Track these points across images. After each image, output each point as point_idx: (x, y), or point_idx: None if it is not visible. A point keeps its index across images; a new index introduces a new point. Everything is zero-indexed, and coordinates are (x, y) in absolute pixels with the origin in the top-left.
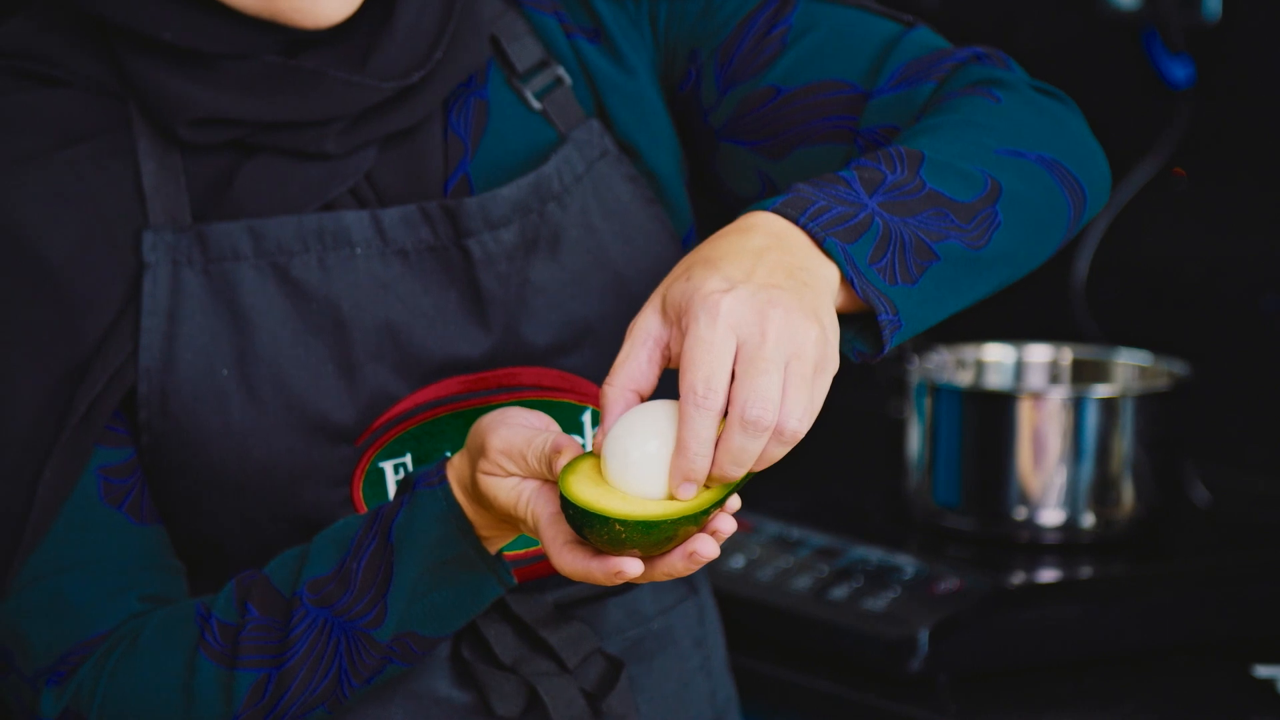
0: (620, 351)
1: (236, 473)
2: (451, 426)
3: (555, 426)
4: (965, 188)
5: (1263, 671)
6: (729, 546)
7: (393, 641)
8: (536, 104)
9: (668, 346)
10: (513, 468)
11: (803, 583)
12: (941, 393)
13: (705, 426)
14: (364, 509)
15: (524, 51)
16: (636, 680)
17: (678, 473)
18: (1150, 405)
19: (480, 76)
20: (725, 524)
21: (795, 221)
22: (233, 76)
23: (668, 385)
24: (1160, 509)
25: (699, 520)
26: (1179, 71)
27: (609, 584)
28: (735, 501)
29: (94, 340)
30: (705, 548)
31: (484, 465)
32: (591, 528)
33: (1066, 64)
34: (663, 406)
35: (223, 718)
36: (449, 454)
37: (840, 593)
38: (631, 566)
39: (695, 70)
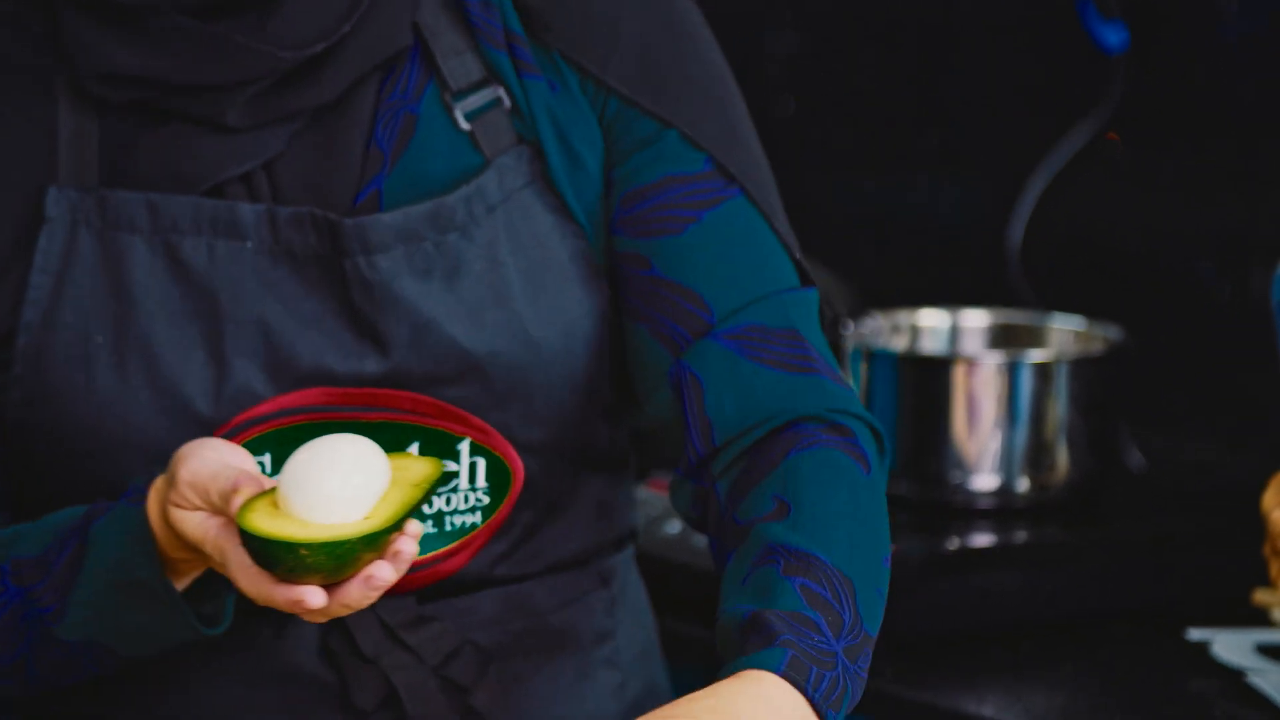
0: None
1: (92, 439)
2: (313, 435)
3: (250, 462)
4: (875, 618)
5: (1196, 635)
6: (664, 513)
7: (84, 646)
8: (465, 124)
9: None
10: (199, 501)
11: None
12: (876, 358)
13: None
14: None
15: (461, 68)
16: (521, 674)
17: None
18: (1085, 370)
19: (417, 91)
20: (407, 546)
21: (803, 691)
22: (144, 35)
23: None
24: (1095, 474)
25: (379, 545)
26: (1113, 36)
27: (292, 611)
28: (415, 525)
29: None
30: (382, 573)
31: (173, 496)
32: (274, 556)
33: (1002, 28)
34: (339, 439)
35: None
36: None
37: None
38: (312, 596)
39: (608, 188)
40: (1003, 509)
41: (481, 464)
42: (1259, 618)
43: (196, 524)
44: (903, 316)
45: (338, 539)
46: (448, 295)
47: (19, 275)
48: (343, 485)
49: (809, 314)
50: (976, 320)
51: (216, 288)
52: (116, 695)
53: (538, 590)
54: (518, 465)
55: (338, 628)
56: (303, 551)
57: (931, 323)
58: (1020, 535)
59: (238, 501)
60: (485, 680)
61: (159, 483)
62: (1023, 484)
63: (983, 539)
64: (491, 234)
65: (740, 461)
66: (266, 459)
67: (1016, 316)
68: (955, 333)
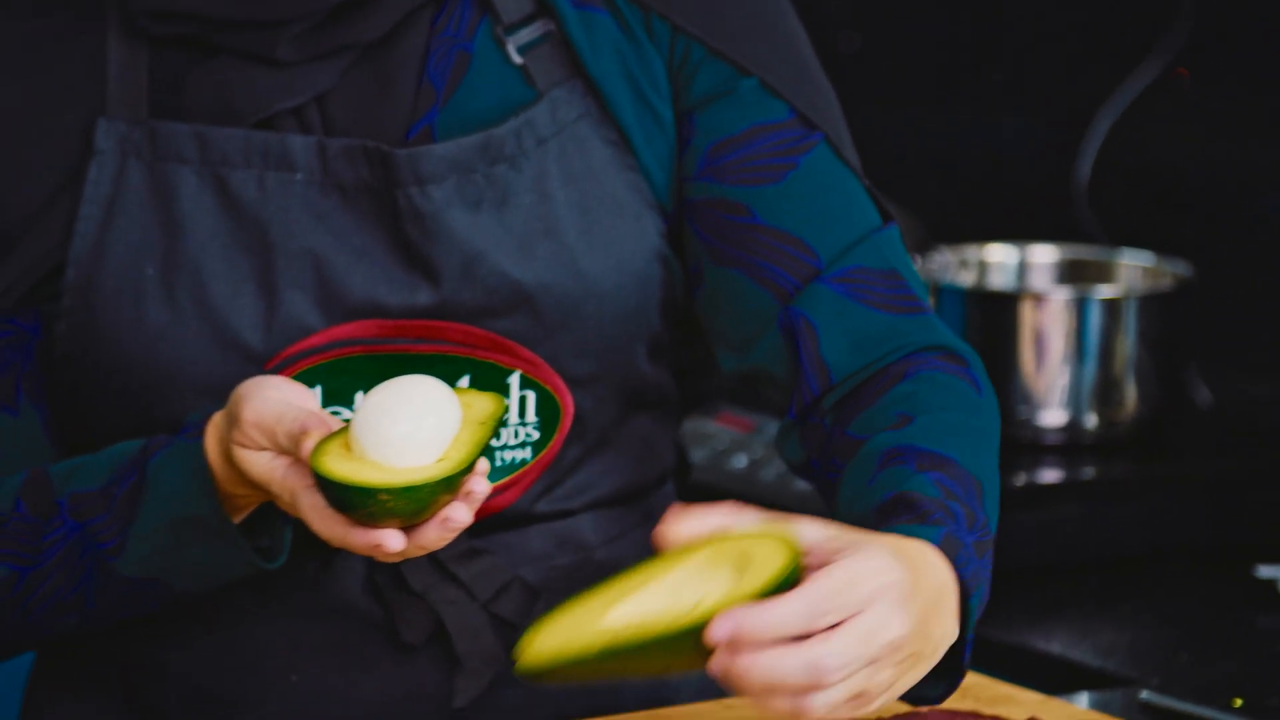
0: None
1: (143, 373)
2: (364, 368)
3: (313, 401)
4: (995, 522)
5: (1265, 572)
6: (732, 447)
7: (142, 581)
8: (518, 58)
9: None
10: (264, 441)
11: (804, 484)
12: (944, 293)
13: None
14: None
15: (514, 1)
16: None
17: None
18: (1153, 306)
19: (470, 29)
20: (479, 486)
21: (954, 569)
22: None
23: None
24: (1163, 410)
25: (455, 486)
26: None
27: (371, 555)
28: (484, 464)
29: (19, 217)
30: (459, 514)
31: (237, 436)
32: (352, 501)
33: None
34: (410, 381)
35: None
36: (363, 392)
37: None
38: (392, 539)
39: (686, 135)
40: (1070, 445)
41: (531, 398)
42: None
43: (263, 464)
44: (971, 252)
45: (416, 483)
46: (497, 227)
47: (68, 208)
48: (418, 428)
49: (900, 251)
50: (1044, 256)
51: (267, 220)
52: (161, 631)
53: (584, 525)
54: (567, 399)
55: (386, 562)
56: (382, 497)
57: (999, 258)
58: (1088, 471)
59: (309, 445)
60: (533, 616)
61: (218, 419)
62: (1090, 420)
63: (1050, 474)
64: (541, 166)
65: (853, 393)
66: (318, 391)
67: (1084, 252)
68: (1023, 268)
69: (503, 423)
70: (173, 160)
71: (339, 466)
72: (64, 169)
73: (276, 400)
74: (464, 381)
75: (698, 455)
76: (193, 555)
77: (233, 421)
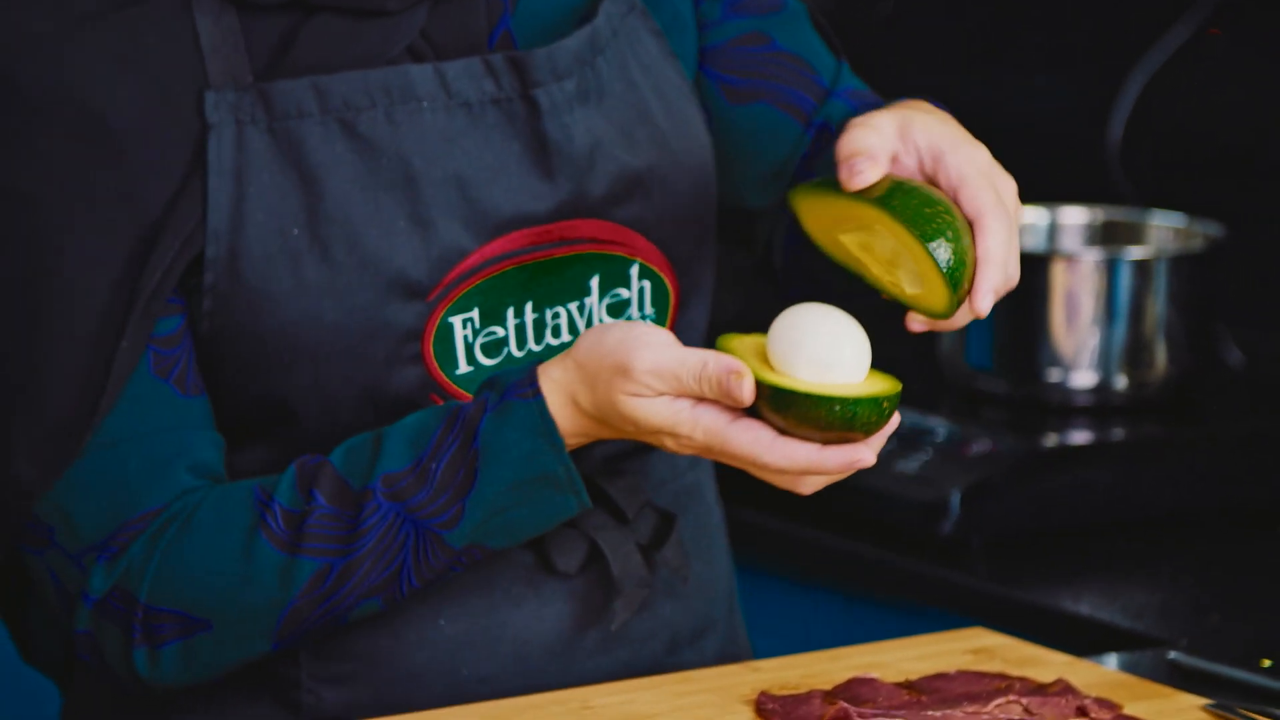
0: (863, 123)
1: (311, 332)
2: (515, 280)
3: (666, 333)
4: None
5: None
6: None
7: (465, 549)
8: None
9: (892, 157)
10: (664, 387)
11: None
12: None
13: (1009, 244)
14: (434, 365)
15: None
16: (682, 534)
17: (987, 283)
18: (1184, 267)
19: None
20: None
21: None
22: None
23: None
24: (1194, 371)
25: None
26: None
27: (841, 474)
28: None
29: (162, 206)
30: (868, 456)
31: (629, 387)
32: (825, 416)
33: None
34: (817, 308)
35: (278, 604)
36: (513, 306)
37: None
38: (869, 452)
39: None
40: (1101, 406)
41: (648, 288)
42: None
43: (662, 409)
44: None
45: (881, 394)
46: (603, 117)
47: (198, 188)
48: (859, 350)
49: (856, 78)
50: (1076, 217)
51: (407, 153)
52: None
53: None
54: (675, 285)
55: None
56: (838, 408)
57: (1031, 219)
58: (1118, 432)
59: (746, 385)
60: (671, 540)
61: (555, 372)
62: (1121, 381)
63: (1080, 436)
64: (621, 57)
65: None
66: (475, 314)
67: (1116, 213)
68: (1054, 230)
69: (626, 316)
70: (293, 117)
71: (802, 385)
72: (189, 149)
73: (662, 345)
74: (594, 280)
75: None
76: (526, 513)
77: (617, 374)
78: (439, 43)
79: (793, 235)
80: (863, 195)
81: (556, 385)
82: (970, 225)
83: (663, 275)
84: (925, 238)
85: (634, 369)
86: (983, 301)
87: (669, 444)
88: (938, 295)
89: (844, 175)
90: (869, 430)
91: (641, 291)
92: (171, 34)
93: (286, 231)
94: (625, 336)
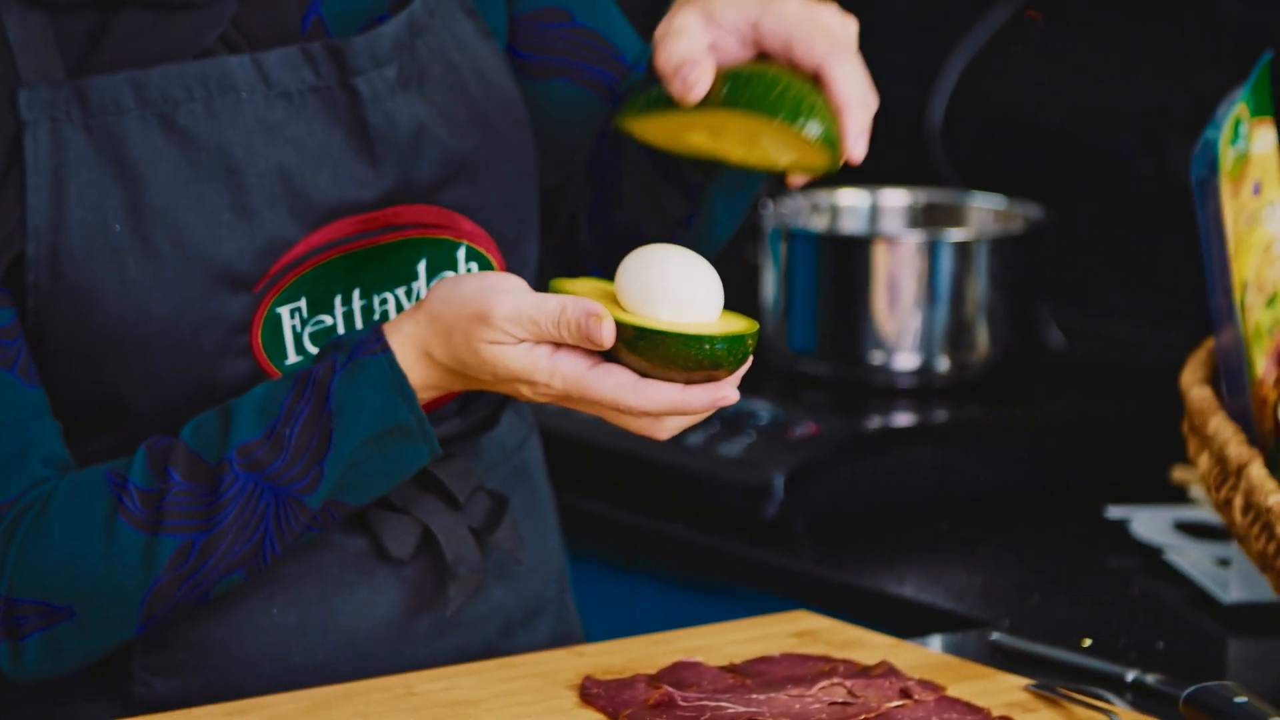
0: (666, 40)
1: (137, 328)
2: (342, 268)
3: (520, 280)
4: None
5: (1114, 513)
6: None
7: (323, 509)
8: None
9: (710, 46)
10: (523, 334)
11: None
12: (796, 238)
13: (860, 80)
14: (263, 356)
15: None
16: (516, 514)
17: (855, 128)
18: (1005, 249)
19: None
20: (745, 367)
21: None
22: None
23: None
24: (1015, 353)
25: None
26: None
27: (704, 413)
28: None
29: None
30: (732, 394)
31: (489, 335)
32: (687, 356)
33: None
34: (667, 249)
35: (141, 585)
36: (341, 296)
37: (696, 438)
38: (732, 390)
39: None
40: (923, 388)
41: (475, 269)
42: (1177, 495)
43: (519, 356)
44: (822, 196)
45: (741, 333)
46: (424, 102)
47: (16, 187)
48: (713, 289)
49: None
50: (896, 200)
51: (228, 143)
52: None
53: (505, 429)
54: (502, 265)
55: None
56: (714, 347)
57: (851, 202)
58: (940, 414)
59: (604, 328)
60: (505, 522)
61: (405, 325)
62: (943, 363)
63: (903, 418)
64: (439, 39)
65: None
66: (302, 303)
67: (937, 196)
68: (875, 212)
69: None
70: (110, 113)
71: (666, 325)
72: (4, 148)
73: (520, 291)
74: (421, 265)
75: None
76: (380, 467)
77: (476, 321)
78: (252, 32)
79: (594, 214)
80: (704, 104)
81: (407, 339)
82: (815, 77)
83: (489, 256)
84: (790, 119)
85: (493, 316)
86: (857, 147)
87: (525, 392)
88: (817, 160)
89: (678, 90)
90: (731, 369)
91: (470, 273)
92: None
93: (109, 228)
94: (482, 285)
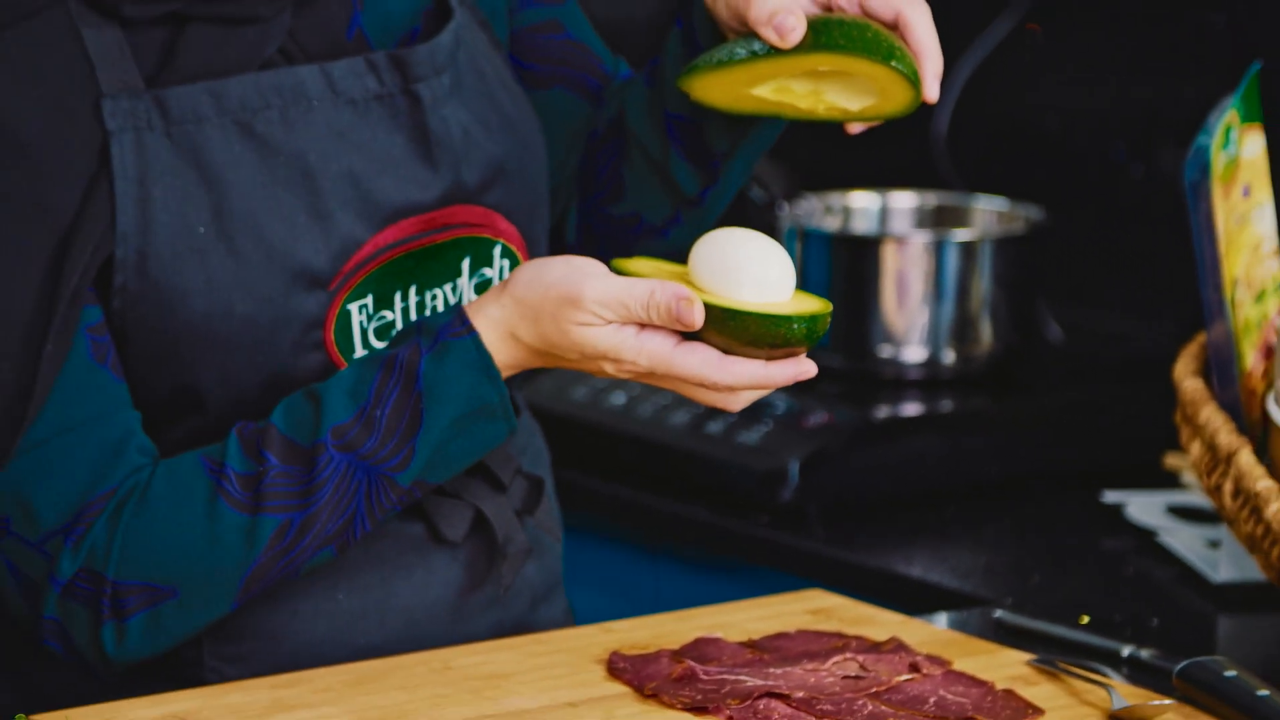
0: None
1: (221, 325)
2: (403, 266)
3: (601, 265)
4: None
5: (1111, 497)
6: (611, 384)
7: (410, 487)
8: None
9: None
10: (611, 315)
11: (680, 418)
12: (810, 238)
13: (929, 20)
14: (335, 350)
15: None
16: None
17: (931, 72)
18: (1007, 249)
19: None
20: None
21: None
22: None
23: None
24: (1016, 346)
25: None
26: None
27: (785, 384)
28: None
29: (73, 212)
30: (812, 367)
31: (579, 316)
32: (768, 334)
33: None
34: (741, 232)
35: (243, 563)
36: (401, 292)
37: (716, 427)
38: (811, 365)
39: None
40: (930, 380)
41: (507, 266)
42: (1170, 480)
43: (608, 336)
44: (835, 198)
45: (819, 312)
46: (464, 108)
47: (106, 194)
48: (787, 269)
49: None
50: (905, 202)
51: (303, 150)
52: None
53: (524, 418)
54: (526, 261)
55: None
56: (796, 326)
57: (862, 204)
58: (946, 404)
59: (695, 306)
60: (543, 504)
61: (488, 307)
62: (948, 356)
63: (911, 408)
64: (470, 50)
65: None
66: (369, 300)
67: (943, 198)
68: (885, 214)
69: None
70: (190, 121)
71: (748, 305)
72: (93, 156)
73: (605, 275)
74: (465, 263)
75: (578, 393)
76: (466, 445)
77: (565, 304)
78: (305, 43)
79: (588, 211)
80: (797, 50)
81: (492, 321)
82: (893, 25)
83: (519, 253)
84: (885, 59)
85: (584, 299)
86: (933, 89)
87: (609, 369)
88: (898, 99)
89: (773, 38)
90: (810, 345)
91: (503, 270)
92: (61, 47)
93: (193, 230)
94: (569, 270)
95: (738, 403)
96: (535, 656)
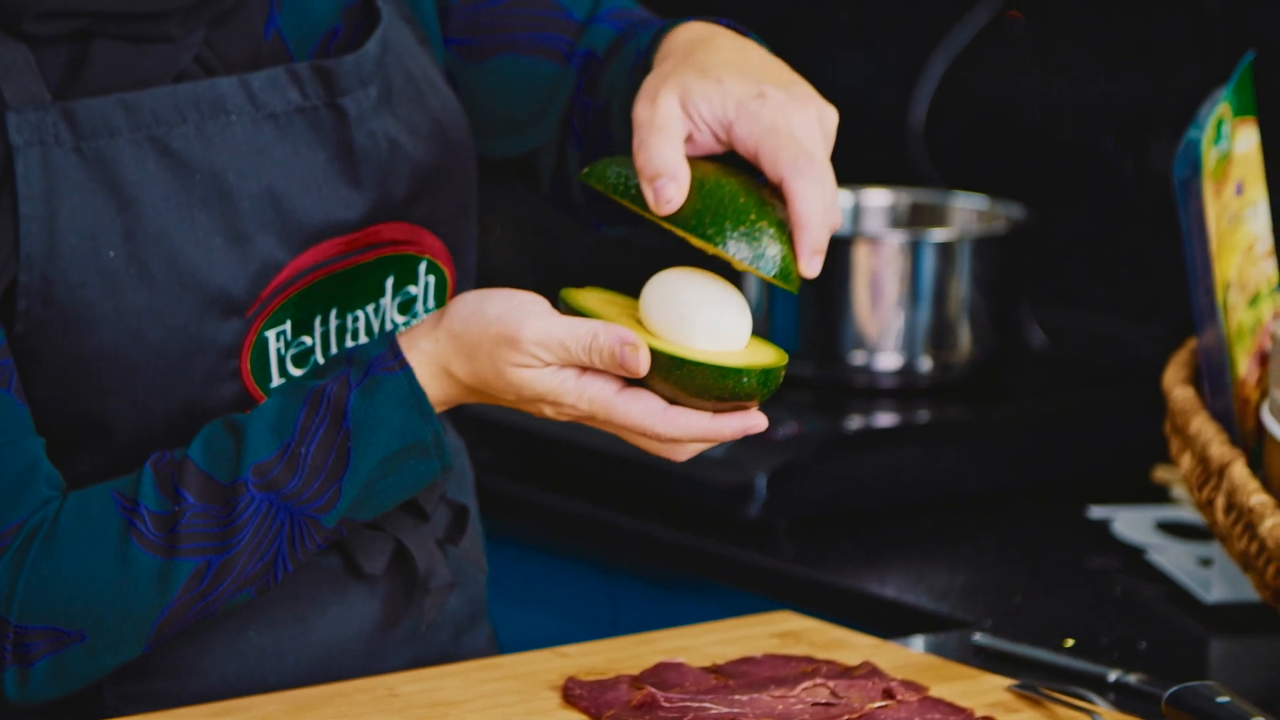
0: (650, 136)
1: (130, 353)
2: (325, 290)
3: (544, 301)
4: None
5: (1097, 513)
6: None
7: (334, 527)
8: None
9: (687, 137)
10: (550, 357)
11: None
12: None
13: (822, 196)
14: (250, 380)
15: None
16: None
17: (808, 249)
18: (987, 249)
19: None
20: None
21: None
22: None
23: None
24: (997, 352)
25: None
26: None
27: (733, 438)
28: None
29: None
30: (762, 421)
31: (516, 358)
32: (714, 383)
33: None
34: (694, 275)
35: (155, 607)
36: (320, 317)
37: None
38: (762, 418)
39: None
40: (905, 388)
41: (433, 282)
42: (1160, 495)
43: (547, 379)
44: None
45: (773, 365)
46: (391, 116)
47: (8, 214)
48: (742, 316)
49: None
50: (879, 199)
51: (221, 167)
52: None
53: (450, 439)
54: (452, 274)
55: None
56: (744, 379)
57: None
58: (922, 414)
59: (640, 355)
60: (468, 532)
61: (421, 342)
62: (925, 363)
63: (886, 418)
64: (396, 51)
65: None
66: (287, 326)
67: (919, 196)
68: (858, 212)
69: (413, 314)
70: (102, 136)
71: (697, 355)
72: None
73: (547, 314)
74: (389, 282)
75: None
76: (394, 484)
77: (503, 344)
78: (222, 50)
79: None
80: (671, 219)
81: (426, 356)
82: (779, 188)
83: (444, 267)
84: (754, 261)
85: (522, 339)
86: (809, 268)
87: (548, 412)
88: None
89: (650, 201)
90: (762, 399)
91: (427, 286)
92: None
93: (102, 254)
94: (508, 307)
95: (682, 454)
96: (485, 683)
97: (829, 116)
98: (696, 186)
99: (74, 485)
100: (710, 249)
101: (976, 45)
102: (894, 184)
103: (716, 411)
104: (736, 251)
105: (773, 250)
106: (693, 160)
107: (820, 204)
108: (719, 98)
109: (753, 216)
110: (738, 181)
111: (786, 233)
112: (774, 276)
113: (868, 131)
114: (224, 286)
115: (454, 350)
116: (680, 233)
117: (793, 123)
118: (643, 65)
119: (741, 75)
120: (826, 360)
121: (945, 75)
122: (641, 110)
